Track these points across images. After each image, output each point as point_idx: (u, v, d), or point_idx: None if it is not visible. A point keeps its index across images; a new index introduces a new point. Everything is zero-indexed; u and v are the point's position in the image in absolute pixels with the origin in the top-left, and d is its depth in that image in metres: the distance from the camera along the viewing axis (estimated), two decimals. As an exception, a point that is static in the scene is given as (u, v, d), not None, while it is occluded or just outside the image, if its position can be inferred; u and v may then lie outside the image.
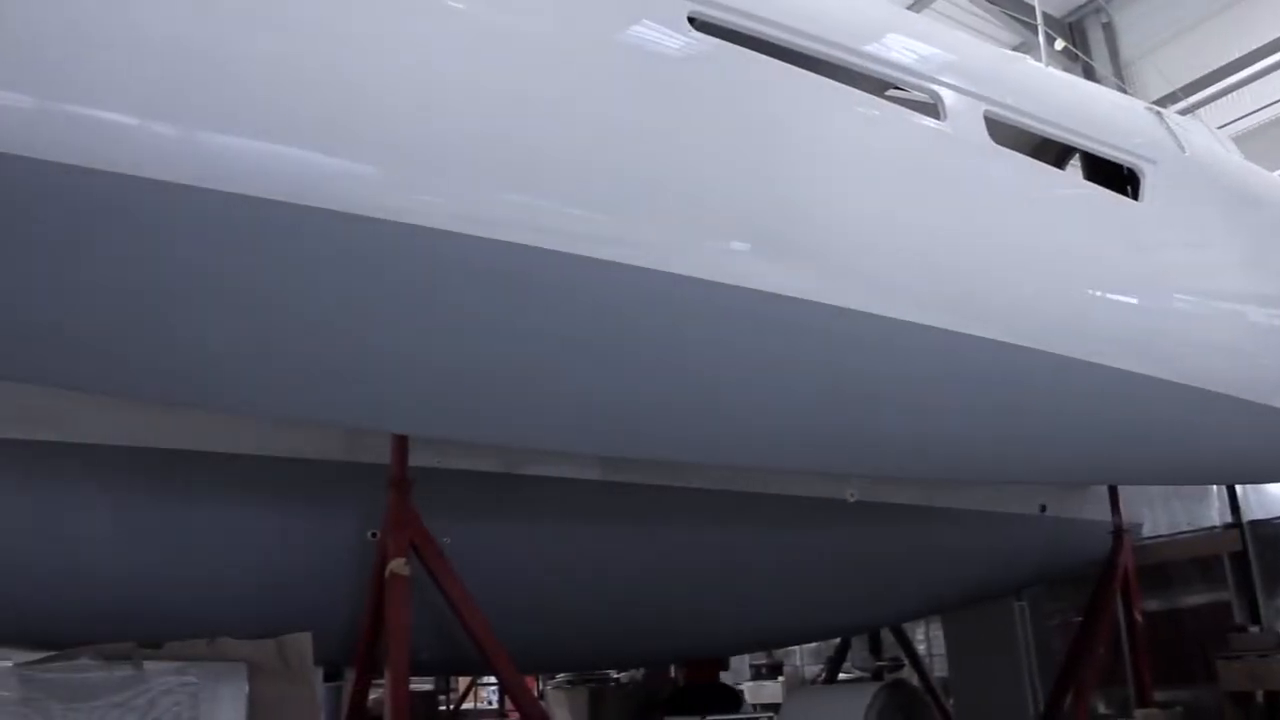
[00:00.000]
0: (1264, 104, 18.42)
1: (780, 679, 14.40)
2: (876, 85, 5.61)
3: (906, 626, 11.39)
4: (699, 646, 8.71)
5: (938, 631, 11.96)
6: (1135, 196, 6.47)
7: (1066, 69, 15.88)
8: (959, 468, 6.47)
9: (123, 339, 3.95)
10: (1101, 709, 10.03)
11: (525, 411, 4.77)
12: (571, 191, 4.17)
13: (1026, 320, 5.42)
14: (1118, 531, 8.98)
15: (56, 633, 5.12)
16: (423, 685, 14.62)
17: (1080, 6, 21.64)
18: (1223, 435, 6.81)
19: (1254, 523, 9.63)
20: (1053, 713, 8.93)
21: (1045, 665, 10.12)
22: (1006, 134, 5.90)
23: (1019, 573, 9.29)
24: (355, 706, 5.98)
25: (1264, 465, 7.80)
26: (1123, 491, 9.19)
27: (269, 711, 5.07)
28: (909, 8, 17.50)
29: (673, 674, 11.94)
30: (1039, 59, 8.81)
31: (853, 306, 4.77)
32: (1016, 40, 20.04)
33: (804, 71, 5.00)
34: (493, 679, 14.67)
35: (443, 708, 15.95)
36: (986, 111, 5.70)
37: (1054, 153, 7.10)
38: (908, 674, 11.13)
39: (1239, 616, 9.38)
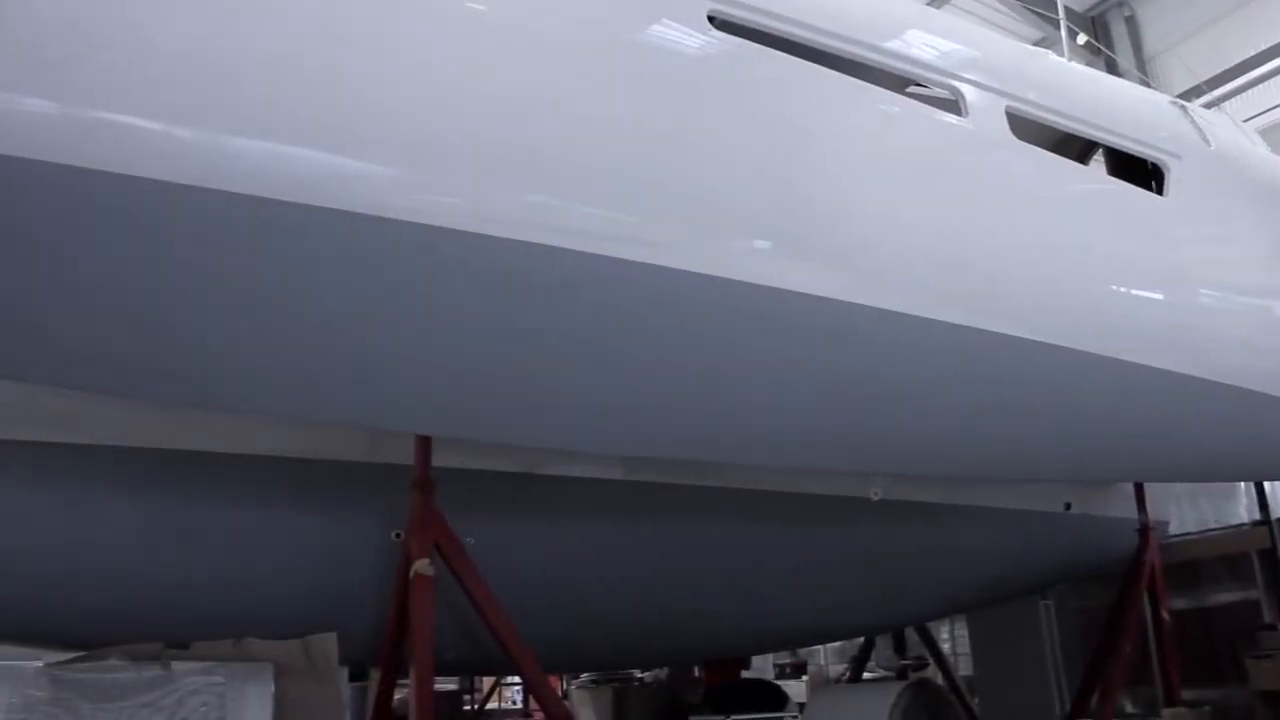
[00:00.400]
0: (1290, 97, 18.25)
1: (804, 678, 14.36)
2: (897, 82, 5.59)
3: (931, 625, 11.33)
4: (722, 646, 8.70)
5: (962, 630, 11.90)
6: (1160, 191, 6.42)
7: (1089, 64, 15.76)
8: (984, 465, 6.44)
9: (151, 342, 3.98)
10: (1129, 708, 9.95)
11: (546, 411, 4.78)
12: (591, 191, 4.18)
13: (1051, 317, 5.39)
14: (1144, 529, 8.92)
15: (85, 633, 5.17)
16: (447, 685, 14.66)
17: (1103, 0, 21.49)
18: (1250, 431, 6.75)
19: (1283, 519, 9.53)
20: (1079, 712, 8.86)
21: (1071, 664, 10.05)
22: (1029, 130, 5.87)
23: (1044, 571, 9.22)
24: (380, 706, 6.01)
25: (1293, 461, 7.72)
26: (1149, 489, 9.12)
27: (295, 711, 5.10)
28: (929, 4, 17.42)
29: (696, 673, 11.93)
30: (1061, 54, 8.76)
31: (875, 304, 4.75)
32: (1038, 35, 19.92)
33: (823, 69, 4.99)
34: (517, 679, 14.75)
35: (467, 708, 16.00)
36: (1008, 107, 5.67)
37: (1077, 148, 7.05)
38: (932, 673, 11.08)
39: (1268, 615, 9.27)
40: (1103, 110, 6.59)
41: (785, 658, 14.74)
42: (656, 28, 4.58)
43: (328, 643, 5.27)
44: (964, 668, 11.86)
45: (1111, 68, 18.55)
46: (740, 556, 6.96)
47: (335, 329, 4.07)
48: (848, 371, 5.03)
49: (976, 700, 10.80)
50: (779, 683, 13.94)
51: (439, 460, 5.63)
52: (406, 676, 5.69)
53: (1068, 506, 8.70)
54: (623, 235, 4.18)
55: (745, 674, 11.34)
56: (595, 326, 4.38)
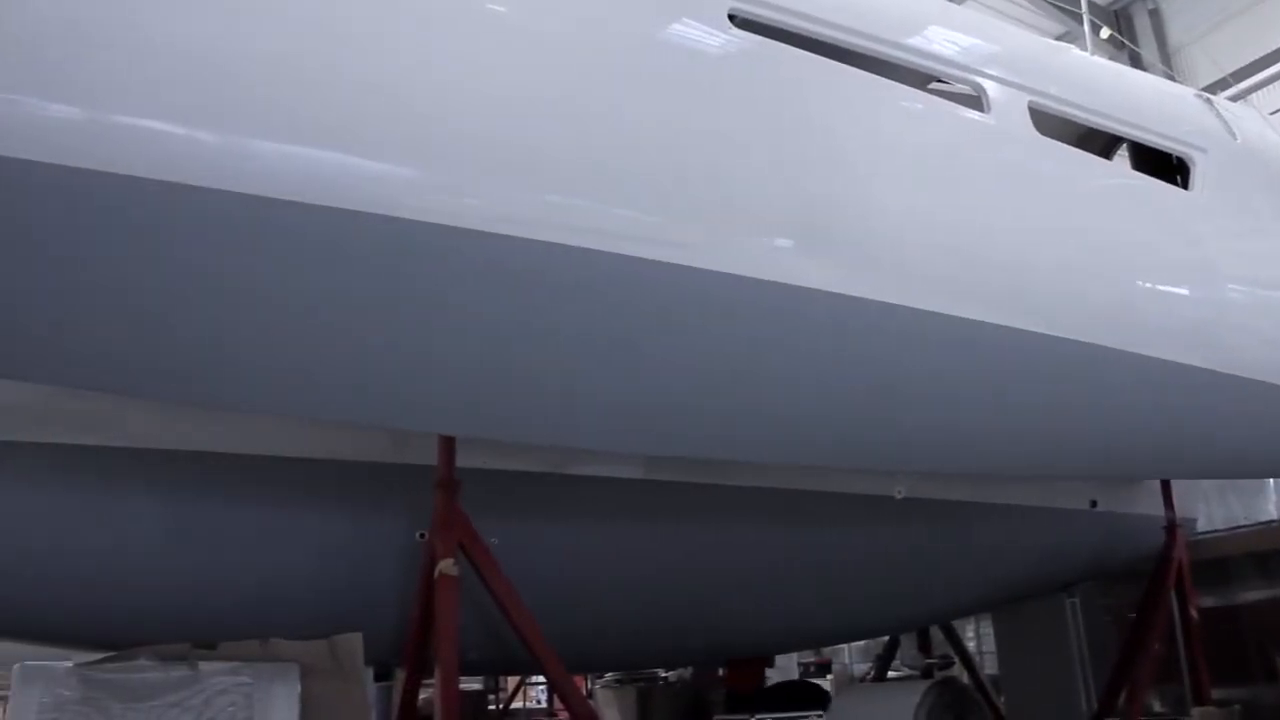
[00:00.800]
0: (1318, 89, 18.02)
1: (829, 677, 14.33)
2: (918, 79, 5.57)
3: (956, 623, 11.28)
4: (746, 645, 8.68)
5: (988, 628, 11.83)
6: (1185, 186, 6.37)
7: (1112, 58, 15.65)
8: (1009, 463, 6.40)
9: (171, 343, 4.02)
10: (1157, 707, 9.87)
11: (569, 411, 4.78)
12: (611, 190, 4.18)
13: (1076, 314, 5.35)
14: (1171, 527, 8.83)
15: (114, 634, 5.22)
16: (472, 685, 14.71)
17: (1126, -7, 21.34)
18: (1278, 427, 6.68)
19: (1314, 516, 9.45)
20: (1106, 711, 8.80)
21: (1098, 662, 9.97)
22: (1052, 125, 5.83)
23: (1069, 569, 9.16)
24: (405, 706, 6.03)
25: (1323, 457, 7.63)
26: (1176, 486, 9.04)
27: (321, 711, 5.13)
28: (950, -1, 17.31)
29: (720, 673, 11.92)
30: (1084, 48, 8.70)
31: (898, 302, 4.74)
32: (1061, 29, 19.80)
33: (844, 66, 4.98)
34: (541, 678, 14.76)
35: (492, 707, 16.04)
36: (1031, 103, 5.63)
37: (1101, 143, 7.00)
38: (957, 672, 11.03)
39: (1299, 612, 9.20)
40: (1126, 104, 6.55)
41: (810, 656, 14.70)
42: (677, 27, 4.58)
43: (353, 643, 5.29)
44: (989, 666, 11.79)
45: (1135, 62, 18.41)
46: (763, 555, 6.95)
47: (359, 330, 4.09)
48: (872, 369, 5.01)
49: (1002, 699, 10.74)
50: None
51: (462, 461, 5.65)
52: (431, 676, 5.71)
53: (1093, 504, 8.64)
54: (644, 234, 4.18)
55: (769, 672, 11.32)
56: (618, 326, 4.38)
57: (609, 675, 12.78)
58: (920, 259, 4.94)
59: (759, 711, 8.64)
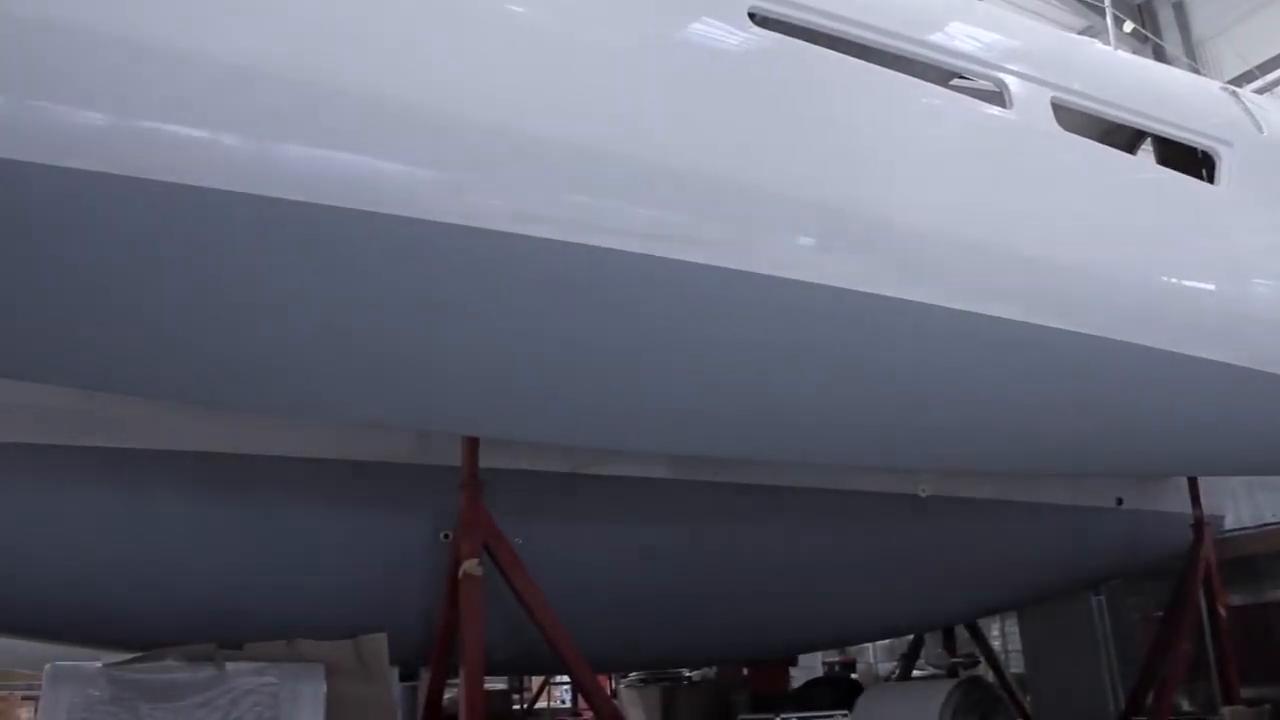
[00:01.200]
0: (1346, 80, 17.78)
1: (854, 676, 14.26)
2: (940, 75, 5.54)
3: (981, 622, 11.22)
4: (771, 644, 8.67)
5: (1013, 627, 11.75)
6: (1211, 180, 6.30)
7: (1136, 52, 15.52)
8: (1035, 460, 6.37)
9: (201, 348, 4.05)
10: (1185, 706, 9.78)
11: (592, 410, 4.79)
12: (633, 190, 4.17)
13: (1103, 310, 5.31)
14: (1198, 524, 8.76)
15: (142, 634, 5.27)
16: (496, 684, 14.74)
17: (1149, -14, 21.12)
18: (1309, 423, 6.61)
19: (1344, 513, 9.34)
20: (1134, 710, 8.73)
21: (1125, 661, 9.90)
22: (1075, 120, 5.78)
23: (1095, 567, 9.10)
24: (431, 705, 6.06)
25: (1353, 454, 7.54)
26: (1203, 483, 8.95)
27: (346, 710, 5.16)
28: (971, -6, 17.19)
29: (745, 672, 11.90)
30: (1107, 42, 8.63)
31: (921, 300, 4.71)
32: (1083, 24, 19.60)
33: (865, 64, 4.95)
34: (566, 678, 14.79)
35: (516, 707, 16.07)
36: (1054, 98, 5.58)
37: (1125, 138, 6.93)
38: (983, 670, 10.97)
39: (1330, 610, 9.11)
40: (1151, 98, 6.48)
41: (834, 655, 14.65)
42: (697, 25, 4.57)
43: (378, 643, 5.32)
44: (1015, 665, 11.72)
45: (1159, 55, 18.23)
46: (789, 554, 6.94)
47: (384, 332, 4.11)
48: (896, 367, 4.99)
49: (1029, 698, 10.67)
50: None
51: (486, 461, 5.67)
52: (456, 676, 5.73)
53: (1119, 501, 8.58)
54: (666, 234, 4.17)
55: (793, 672, 11.29)
56: (641, 326, 4.38)
57: (633, 675, 12.79)
58: (944, 256, 4.90)
59: (793, 709, 8.66)
